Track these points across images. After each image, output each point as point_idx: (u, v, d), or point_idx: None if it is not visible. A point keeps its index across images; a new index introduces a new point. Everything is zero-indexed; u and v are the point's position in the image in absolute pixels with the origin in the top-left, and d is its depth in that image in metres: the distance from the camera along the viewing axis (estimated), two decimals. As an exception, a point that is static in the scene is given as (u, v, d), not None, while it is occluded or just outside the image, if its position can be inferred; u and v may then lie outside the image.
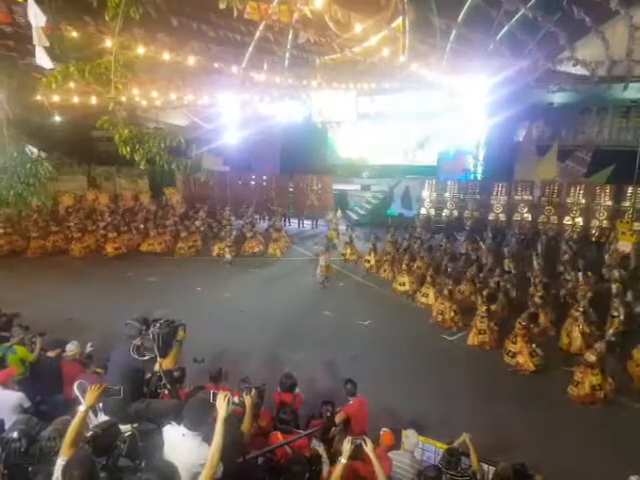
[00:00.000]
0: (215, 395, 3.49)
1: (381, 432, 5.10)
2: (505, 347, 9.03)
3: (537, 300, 9.98)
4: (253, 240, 16.95)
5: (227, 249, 15.37)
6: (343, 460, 3.75)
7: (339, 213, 17.77)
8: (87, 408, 3.55)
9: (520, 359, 8.59)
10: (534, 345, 8.74)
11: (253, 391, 4.28)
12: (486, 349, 9.51)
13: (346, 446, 3.80)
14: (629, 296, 9.92)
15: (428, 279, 11.88)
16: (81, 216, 19.16)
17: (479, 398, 7.69)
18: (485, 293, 10.10)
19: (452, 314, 10.56)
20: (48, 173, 6.46)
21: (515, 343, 8.79)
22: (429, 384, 8.09)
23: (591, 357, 7.64)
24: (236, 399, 4.23)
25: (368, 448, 3.89)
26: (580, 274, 10.81)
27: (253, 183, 25.60)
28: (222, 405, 3.35)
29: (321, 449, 4.21)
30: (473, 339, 9.69)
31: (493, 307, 10.26)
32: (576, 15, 13.12)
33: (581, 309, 9.36)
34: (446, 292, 10.78)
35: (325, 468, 4.12)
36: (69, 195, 22.15)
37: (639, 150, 18.38)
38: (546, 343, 9.36)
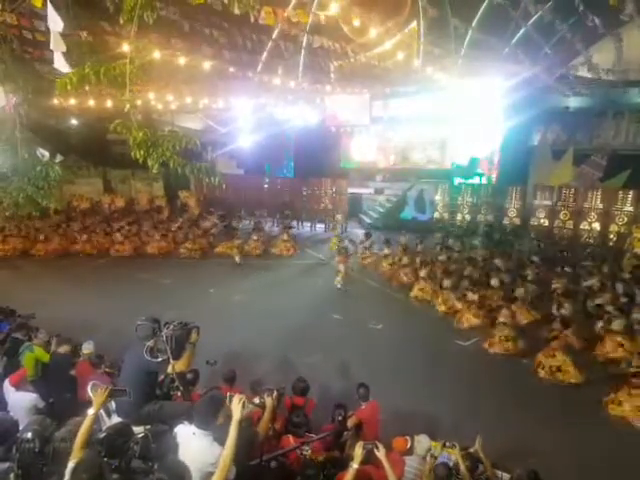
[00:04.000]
0: (231, 398, 3.49)
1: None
2: (541, 362, 8.63)
3: (564, 311, 9.75)
4: (258, 241, 17.08)
5: (235, 250, 15.41)
6: (355, 465, 3.73)
7: (338, 216, 17.71)
8: (95, 411, 3.59)
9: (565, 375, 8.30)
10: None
11: (275, 393, 4.27)
12: (503, 356, 9.34)
13: (358, 451, 3.77)
14: None
15: (446, 283, 11.78)
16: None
17: (493, 404, 7.58)
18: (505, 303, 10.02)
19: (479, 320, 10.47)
20: (58, 176, 6.53)
21: (554, 356, 8.47)
22: (442, 389, 7.99)
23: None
24: (256, 400, 4.23)
25: (380, 453, 3.86)
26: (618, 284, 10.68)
27: (267, 186, 25.67)
28: (237, 408, 3.34)
29: (309, 453, 4.20)
30: (496, 346, 9.48)
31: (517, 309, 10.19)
32: (589, 21, 13.02)
33: (617, 319, 9.07)
34: (472, 297, 10.73)
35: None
36: (85, 199, 22.44)
37: (657, 154, 18.18)
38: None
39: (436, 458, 4.70)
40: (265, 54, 15.16)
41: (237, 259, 15.36)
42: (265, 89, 16.70)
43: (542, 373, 8.49)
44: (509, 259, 13.86)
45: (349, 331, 10.47)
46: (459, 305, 11.14)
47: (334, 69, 17.60)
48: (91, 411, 3.57)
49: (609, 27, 14.03)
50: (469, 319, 10.57)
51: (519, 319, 10.34)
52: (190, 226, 18.87)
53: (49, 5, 4.56)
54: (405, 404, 7.09)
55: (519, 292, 10.87)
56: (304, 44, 14.71)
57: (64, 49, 4.75)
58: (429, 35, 12.89)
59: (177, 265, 15.72)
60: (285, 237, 17.50)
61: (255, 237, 17.26)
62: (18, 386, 5.49)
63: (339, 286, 13.02)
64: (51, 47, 4.67)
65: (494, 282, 11.53)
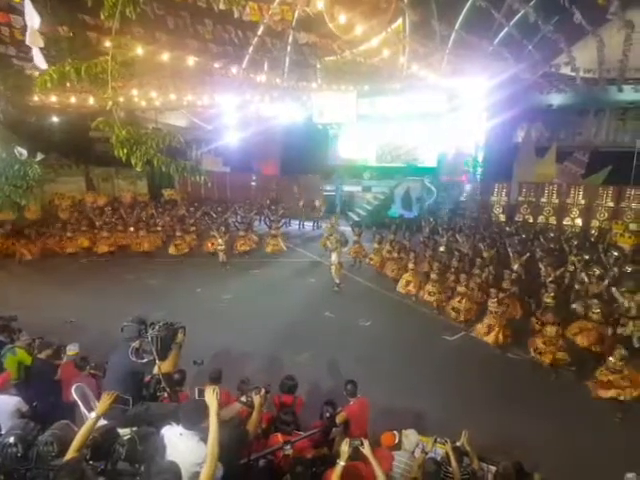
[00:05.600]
0: (202, 392, 3.49)
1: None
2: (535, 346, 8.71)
3: (549, 300, 9.86)
4: (245, 238, 16.89)
5: (220, 248, 15.24)
6: (342, 462, 3.74)
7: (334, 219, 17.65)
8: (98, 416, 3.60)
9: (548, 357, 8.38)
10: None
11: (262, 391, 4.26)
12: (489, 348, 9.40)
13: (344, 448, 3.79)
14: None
15: (433, 277, 11.82)
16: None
17: (481, 397, 7.65)
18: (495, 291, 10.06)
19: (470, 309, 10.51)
20: (37, 175, 6.40)
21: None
22: (430, 384, 8.05)
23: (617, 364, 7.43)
24: (243, 398, 4.22)
25: (366, 450, 3.87)
26: (584, 275, 10.78)
27: (254, 184, 25.57)
28: (212, 399, 3.38)
29: (290, 452, 4.21)
30: (492, 337, 9.50)
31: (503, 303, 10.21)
32: (575, 19, 13.16)
33: (597, 310, 9.22)
34: (462, 289, 10.75)
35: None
36: (67, 198, 22.03)
37: (636, 151, 18.54)
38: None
39: (427, 454, 4.73)
40: (250, 50, 15.07)
41: (221, 257, 15.13)
42: (250, 86, 16.61)
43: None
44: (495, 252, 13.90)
45: (338, 328, 10.48)
46: (444, 297, 11.26)
47: (320, 66, 17.58)
48: (93, 414, 3.61)
49: (593, 25, 14.22)
50: (456, 310, 10.64)
51: (507, 310, 10.37)
52: (178, 222, 18.68)
53: (26, -1, 4.46)
54: (393, 399, 7.11)
55: (505, 284, 10.93)
56: (290, 40, 14.65)
57: (41, 44, 4.65)
58: (414, 34, 12.92)
59: (163, 264, 15.58)
60: (273, 233, 17.42)
61: (244, 234, 17.11)
62: (1, 389, 5.40)
63: (337, 280, 12.93)
64: (27, 42, 4.58)
65: (478, 273, 11.59)
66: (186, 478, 3.26)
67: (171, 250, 16.14)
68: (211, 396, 3.40)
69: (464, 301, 10.67)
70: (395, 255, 14.07)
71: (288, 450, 4.25)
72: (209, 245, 16.21)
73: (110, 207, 20.92)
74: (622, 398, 7.19)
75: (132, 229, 17.39)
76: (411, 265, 12.66)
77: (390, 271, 13.68)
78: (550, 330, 8.63)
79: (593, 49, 15.58)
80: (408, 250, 13.95)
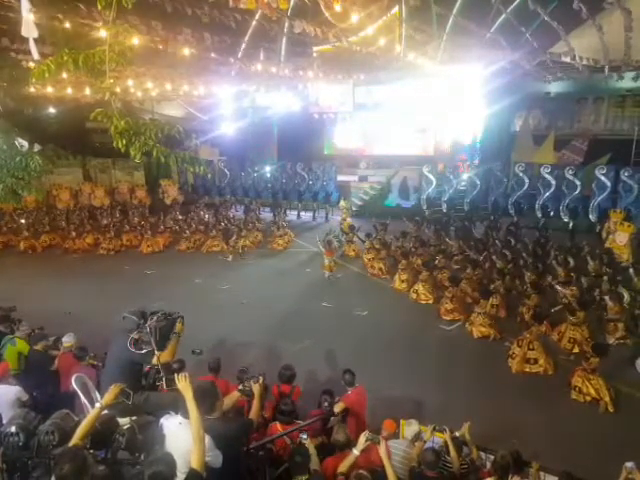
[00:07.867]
0: (170, 381, 3.52)
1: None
2: (515, 353, 8.46)
3: (529, 302, 9.79)
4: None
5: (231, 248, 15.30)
6: (356, 452, 3.88)
7: (342, 202, 17.67)
8: (103, 406, 3.65)
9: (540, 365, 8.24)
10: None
11: (261, 379, 4.29)
12: (486, 340, 9.46)
13: (362, 439, 3.98)
14: (625, 296, 9.70)
15: (422, 276, 11.81)
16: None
17: (478, 387, 7.70)
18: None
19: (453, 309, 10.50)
20: (39, 167, 6.38)
21: (533, 349, 8.32)
22: (427, 374, 8.10)
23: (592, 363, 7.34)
24: (240, 387, 4.26)
25: (381, 449, 4.02)
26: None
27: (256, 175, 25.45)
28: (185, 387, 3.41)
29: (307, 441, 4.25)
30: (477, 332, 9.57)
31: (493, 301, 10.24)
32: (575, 6, 13.05)
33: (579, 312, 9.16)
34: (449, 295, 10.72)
35: (314, 461, 4.12)
36: (65, 190, 21.93)
37: (635, 138, 18.50)
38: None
39: (425, 442, 4.78)
40: (247, 39, 14.96)
41: (230, 258, 15.09)
42: (247, 75, 16.49)
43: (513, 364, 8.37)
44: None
45: (335, 318, 10.53)
46: (433, 297, 11.32)
47: (317, 55, 17.45)
48: (98, 405, 3.65)
49: (592, 12, 14.10)
50: (447, 312, 10.61)
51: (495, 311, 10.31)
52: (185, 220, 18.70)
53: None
54: (392, 389, 7.18)
55: (495, 285, 10.95)
56: (285, 29, 14.52)
57: (36, 35, 4.62)
58: (411, 21, 12.84)
59: (162, 256, 15.59)
60: (280, 230, 17.35)
61: (248, 232, 17.03)
62: (1, 379, 5.43)
63: (326, 275, 13.07)
64: (22, 33, 4.55)
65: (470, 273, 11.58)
66: (185, 466, 3.30)
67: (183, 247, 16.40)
68: (184, 383, 3.43)
69: (452, 304, 10.59)
70: (383, 255, 13.88)
71: (305, 440, 4.27)
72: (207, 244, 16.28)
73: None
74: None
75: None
76: (401, 265, 12.55)
77: (380, 270, 13.49)
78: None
79: (591, 36, 15.46)
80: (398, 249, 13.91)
